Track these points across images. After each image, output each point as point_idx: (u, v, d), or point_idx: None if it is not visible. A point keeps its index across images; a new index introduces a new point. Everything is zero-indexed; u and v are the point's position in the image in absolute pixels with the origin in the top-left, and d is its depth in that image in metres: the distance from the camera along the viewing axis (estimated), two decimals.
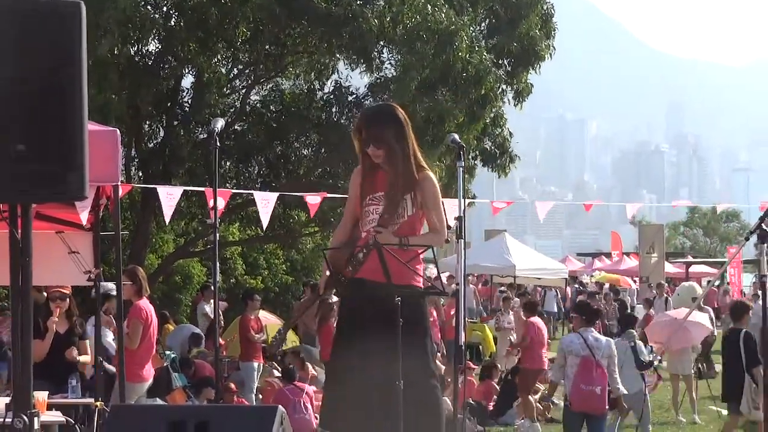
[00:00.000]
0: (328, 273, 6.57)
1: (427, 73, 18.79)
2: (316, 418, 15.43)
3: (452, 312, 20.61)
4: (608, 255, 51.09)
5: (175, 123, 21.03)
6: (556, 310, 33.61)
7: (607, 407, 11.81)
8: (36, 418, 5.10)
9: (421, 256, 6.57)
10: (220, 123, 7.68)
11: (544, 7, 20.99)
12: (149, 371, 11.05)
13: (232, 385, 15.65)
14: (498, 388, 17.41)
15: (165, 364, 13.97)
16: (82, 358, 10.88)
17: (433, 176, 6.65)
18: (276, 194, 15.86)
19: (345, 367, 6.46)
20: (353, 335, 6.41)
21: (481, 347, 25.47)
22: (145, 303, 11.01)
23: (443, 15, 18.54)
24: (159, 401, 12.80)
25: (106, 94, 17.19)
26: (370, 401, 6.25)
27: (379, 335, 6.24)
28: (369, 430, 6.30)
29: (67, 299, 11.03)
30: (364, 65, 19.45)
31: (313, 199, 15.67)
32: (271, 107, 21.64)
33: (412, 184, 6.51)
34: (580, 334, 11.92)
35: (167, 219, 13.31)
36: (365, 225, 6.57)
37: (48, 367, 10.33)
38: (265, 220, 14.66)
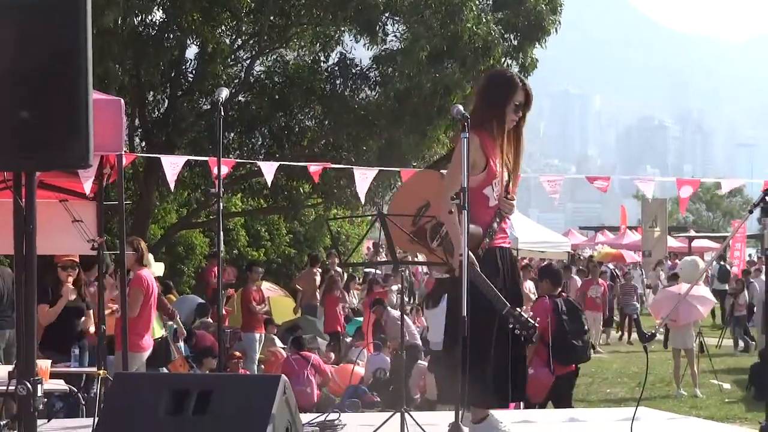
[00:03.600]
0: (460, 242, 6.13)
1: (434, 43, 18.72)
2: (319, 390, 15.52)
3: None
4: (611, 229, 51.08)
5: (179, 93, 20.99)
6: None
7: None
8: (39, 386, 5.10)
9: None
10: (224, 92, 7.65)
11: None
12: (148, 341, 11.09)
13: (237, 353, 15.73)
14: None
15: (165, 335, 14.00)
16: (92, 328, 10.94)
17: None
18: (278, 163, 15.80)
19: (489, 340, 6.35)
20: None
21: None
22: (146, 273, 11.05)
23: None
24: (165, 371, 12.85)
25: (106, 64, 17.14)
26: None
27: (512, 293, 6.40)
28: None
29: (77, 268, 11.08)
30: (369, 38, 19.39)
31: (316, 167, 15.45)
32: (275, 78, 21.56)
33: (523, 152, 6.64)
34: None
35: (171, 186, 13.28)
36: (495, 194, 6.47)
37: (55, 337, 10.39)
38: (269, 179, 14.54)
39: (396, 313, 17.44)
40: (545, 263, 17.95)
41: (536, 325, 5.86)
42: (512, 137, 6.55)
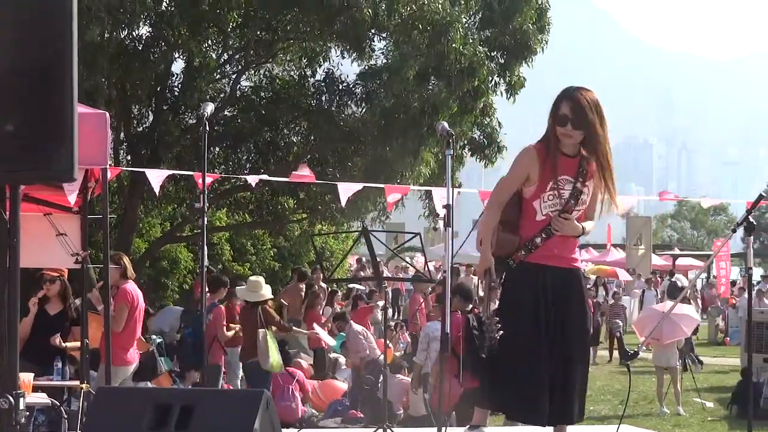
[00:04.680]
0: (488, 256, 6.28)
1: (421, 62, 18.76)
2: (304, 405, 15.50)
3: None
4: (596, 246, 51.10)
5: (165, 108, 20.96)
6: None
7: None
8: (21, 399, 5.08)
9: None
10: (210, 107, 7.67)
11: (539, 1, 20.75)
12: (133, 355, 11.07)
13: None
14: None
15: (151, 349, 13.97)
16: (71, 345, 10.84)
17: None
18: (259, 177, 15.79)
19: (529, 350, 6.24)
20: (533, 319, 6.22)
21: None
22: (131, 286, 11.04)
23: (439, 5, 18.51)
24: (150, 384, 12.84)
25: (95, 78, 17.11)
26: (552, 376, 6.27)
27: (560, 316, 6.30)
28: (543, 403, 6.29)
29: (57, 282, 11.05)
30: (355, 54, 19.41)
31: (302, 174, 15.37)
32: (262, 93, 21.57)
33: (606, 171, 6.39)
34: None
35: (156, 190, 13.29)
36: (544, 209, 6.37)
37: (37, 350, 10.35)
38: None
39: (358, 327, 17.50)
40: (458, 281, 18.21)
41: (497, 337, 5.88)
42: (597, 156, 6.37)
